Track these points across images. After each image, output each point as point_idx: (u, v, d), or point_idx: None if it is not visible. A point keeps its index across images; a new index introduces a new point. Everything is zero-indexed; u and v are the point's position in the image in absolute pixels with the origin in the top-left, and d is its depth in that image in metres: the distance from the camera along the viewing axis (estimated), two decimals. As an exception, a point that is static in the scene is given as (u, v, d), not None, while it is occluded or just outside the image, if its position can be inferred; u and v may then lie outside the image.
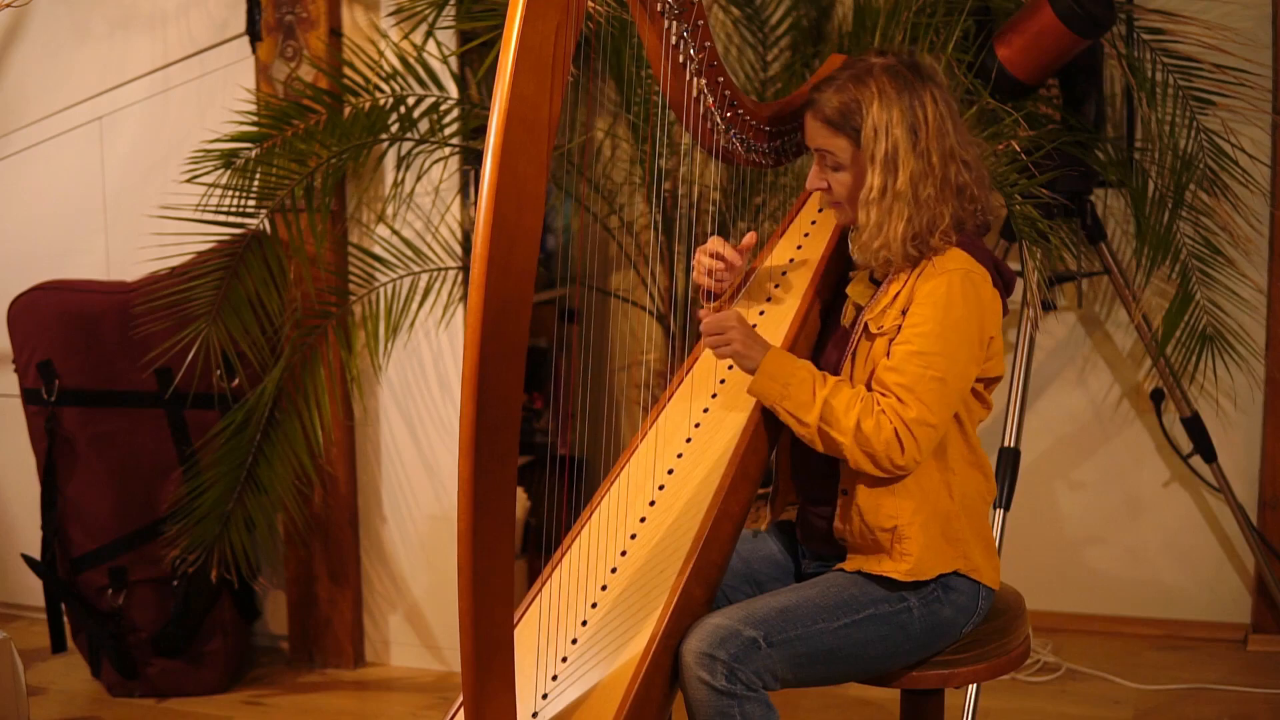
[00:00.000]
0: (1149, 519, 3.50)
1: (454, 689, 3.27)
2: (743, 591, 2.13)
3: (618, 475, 2.14)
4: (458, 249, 3.28)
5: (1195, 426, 3.26)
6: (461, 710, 1.81)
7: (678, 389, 2.22)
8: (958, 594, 2.03)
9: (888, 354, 1.99)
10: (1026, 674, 3.26)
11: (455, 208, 3.26)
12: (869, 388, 1.99)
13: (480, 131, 3.20)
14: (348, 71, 3.17)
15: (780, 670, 1.90)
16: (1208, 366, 3.19)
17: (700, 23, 2.00)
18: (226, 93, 3.37)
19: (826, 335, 2.17)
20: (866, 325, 2.04)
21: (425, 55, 3.15)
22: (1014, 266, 2.75)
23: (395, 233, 3.25)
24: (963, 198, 2.02)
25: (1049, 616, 3.50)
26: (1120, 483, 3.52)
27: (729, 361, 2.17)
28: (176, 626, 3.23)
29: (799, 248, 2.29)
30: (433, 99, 3.17)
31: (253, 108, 3.29)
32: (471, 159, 3.24)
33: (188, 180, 3.09)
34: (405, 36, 3.16)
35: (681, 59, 2.03)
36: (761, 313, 2.21)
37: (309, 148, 3.13)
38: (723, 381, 2.18)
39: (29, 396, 3.24)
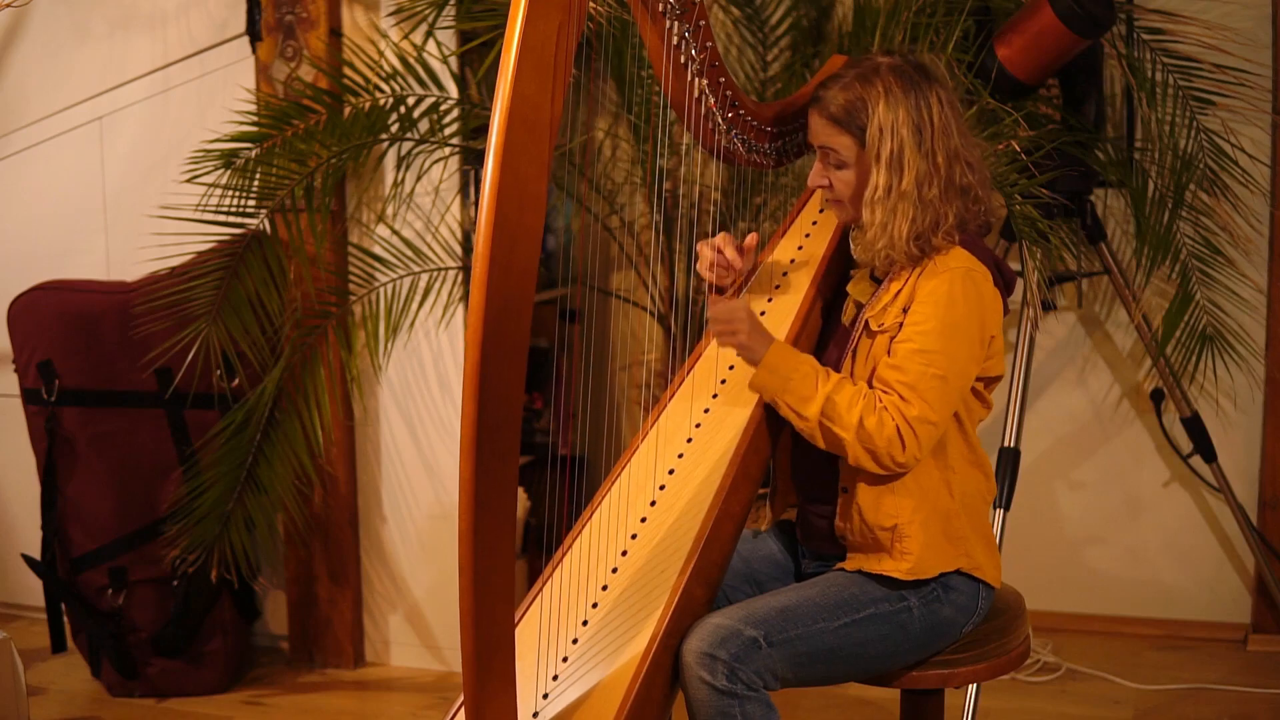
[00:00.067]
0: (1149, 519, 3.50)
1: (454, 689, 3.27)
2: (743, 591, 2.13)
3: (618, 475, 2.14)
4: (458, 249, 3.28)
5: (1195, 426, 3.26)
6: (462, 710, 1.81)
7: (679, 389, 2.22)
8: (958, 594, 2.04)
9: (889, 352, 1.99)
10: (1026, 674, 3.26)
11: (455, 208, 3.26)
12: (870, 385, 1.99)
13: (480, 131, 3.20)
14: (348, 71, 3.17)
15: (781, 670, 1.90)
16: (1208, 366, 3.19)
17: (702, 23, 2.00)
18: (226, 93, 3.37)
19: (827, 333, 2.17)
20: (867, 323, 2.04)
21: (425, 55, 3.15)
22: (1014, 266, 2.75)
23: (395, 233, 3.25)
24: (967, 198, 2.02)
25: (1049, 616, 3.50)
26: (1120, 483, 3.52)
27: (730, 362, 2.18)
28: (176, 626, 3.23)
29: (800, 247, 2.29)
30: (433, 99, 3.17)
31: (253, 108, 3.29)
32: (471, 159, 3.24)
33: (188, 180, 3.09)
34: (405, 36, 3.16)
35: (683, 59, 2.03)
36: (763, 311, 2.21)
37: (309, 148, 3.12)
38: (724, 381, 2.18)
39: (29, 396, 3.24)
